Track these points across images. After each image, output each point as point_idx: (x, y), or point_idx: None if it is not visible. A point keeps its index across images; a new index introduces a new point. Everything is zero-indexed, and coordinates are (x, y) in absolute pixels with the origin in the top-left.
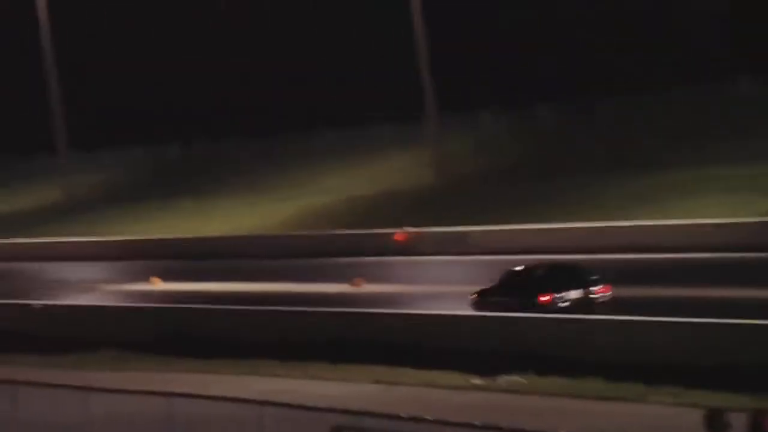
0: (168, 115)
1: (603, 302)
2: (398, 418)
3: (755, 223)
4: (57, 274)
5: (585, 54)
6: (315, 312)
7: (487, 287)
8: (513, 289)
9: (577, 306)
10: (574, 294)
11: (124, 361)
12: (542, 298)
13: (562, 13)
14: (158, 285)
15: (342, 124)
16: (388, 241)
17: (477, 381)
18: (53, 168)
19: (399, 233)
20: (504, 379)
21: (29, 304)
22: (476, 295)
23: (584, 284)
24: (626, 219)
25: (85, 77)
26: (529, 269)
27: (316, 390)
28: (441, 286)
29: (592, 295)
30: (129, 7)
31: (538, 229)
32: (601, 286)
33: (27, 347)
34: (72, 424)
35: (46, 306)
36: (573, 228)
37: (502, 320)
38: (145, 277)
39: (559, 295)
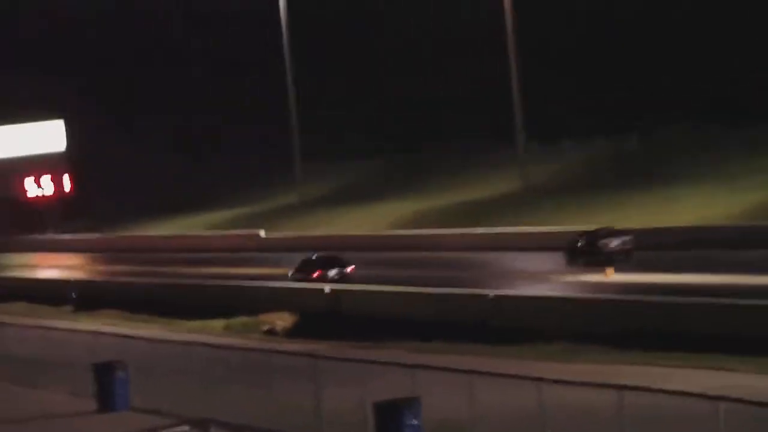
0: (628, 105)
1: (349, 276)
2: None
3: None
4: (510, 263)
5: None
6: None
7: (294, 268)
8: (303, 268)
9: (337, 278)
10: (334, 272)
11: (576, 353)
12: (314, 275)
13: None
14: (611, 276)
15: None
16: None
17: None
18: (512, 158)
19: None
20: None
21: (483, 294)
22: (291, 272)
23: (341, 266)
24: None
25: (544, 68)
26: (311, 258)
27: None
28: None
29: (344, 273)
30: None
31: None
32: (350, 268)
33: (480, 337)
34: (524, 413)
35: (499, 296)
36: None
37: None
38: (599, 268)
39: (325, 272)
